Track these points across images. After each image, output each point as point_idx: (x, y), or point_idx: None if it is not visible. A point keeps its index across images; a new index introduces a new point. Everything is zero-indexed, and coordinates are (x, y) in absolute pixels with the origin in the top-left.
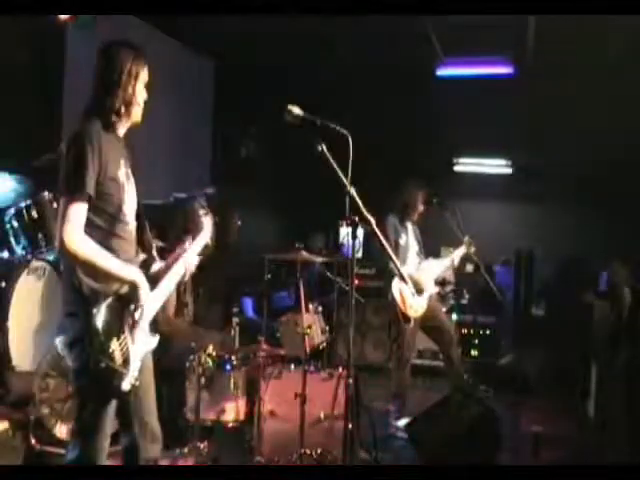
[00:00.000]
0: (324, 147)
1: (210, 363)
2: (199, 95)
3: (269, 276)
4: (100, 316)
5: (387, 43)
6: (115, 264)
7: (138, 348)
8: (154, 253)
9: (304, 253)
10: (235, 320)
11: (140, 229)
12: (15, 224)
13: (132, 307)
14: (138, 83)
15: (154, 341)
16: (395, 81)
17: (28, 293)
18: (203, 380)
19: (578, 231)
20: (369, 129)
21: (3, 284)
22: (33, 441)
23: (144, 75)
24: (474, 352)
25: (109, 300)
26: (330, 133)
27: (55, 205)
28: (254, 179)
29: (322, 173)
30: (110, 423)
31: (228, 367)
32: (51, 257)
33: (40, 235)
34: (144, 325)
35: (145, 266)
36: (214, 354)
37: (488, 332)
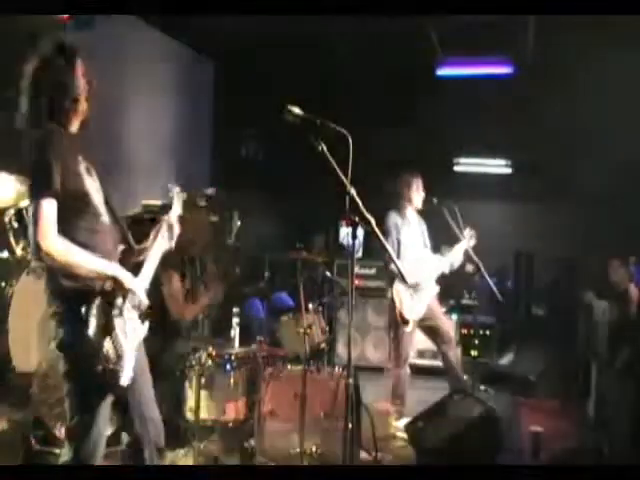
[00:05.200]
0: (324, 147)
1: (210, 363)
2: (199, 95)
3: (268, 274)
4: (90, 319)
5: (387, 43)
6: (93, 260)
7: (130, 340)
8: (131, 241)
9: (304, 253)
10: (235, 320)
11: (113, 220)
12: (15, 224)
13: (119, 301)
14: (76, 76)
15: (145, 328)
16: (395, 81)
17: (28, 293)
18: (203, 380)
19: (578, 231)
20: (369, 129)
21: (3, 284)
22: (33, 441)
23: (79, 66)
24: (474, 352)
25: (96, 301)
26: (330, 133)
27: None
28: (254, 179)
29: (322, 173)
30: (106, 424)
31: (228, 367)
32: None
33: None
34: (133, 315)
35: (125, 256)
36: (214, 354)
37: (488, 332)
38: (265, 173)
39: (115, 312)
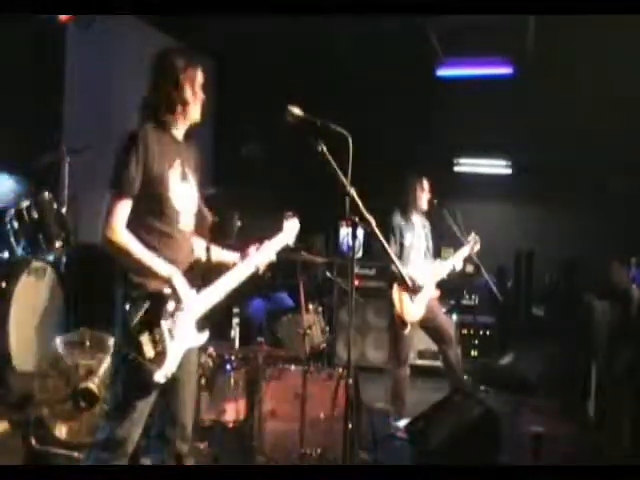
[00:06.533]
0: (324, 147)
1: (210, 363)
2: None
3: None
4: (133, 310)
5: (387, 43)
6: (151, 260)
7: (178, 344)
8: (212, 248)
9: (304, 253)
10: (235, 320)
11: (201, 227)
12: (15, 224)
13: (171, 305)
14: (194, 84)
15: (202, 338)
16: (395, 81)
17: (28, 293)
18: (203, 380)
19: (578, 231)
20: (369, 129)
21: (3, 284)
22: (33, 441)
23: (199, 77)
24: (474, 352)
25: (145, 295)
26: (330, 133)
27: (55, 205)
28: (254, 179)
29: (322, 173)
30: (144, 415)
31: (228, 367)
32: (51, 257)
33: (40, 235)
34: (188, 322)
35: (198, 266)
36: (214, 354)
37: (488, 332)
38: (265, 173)
39: (166, 312)
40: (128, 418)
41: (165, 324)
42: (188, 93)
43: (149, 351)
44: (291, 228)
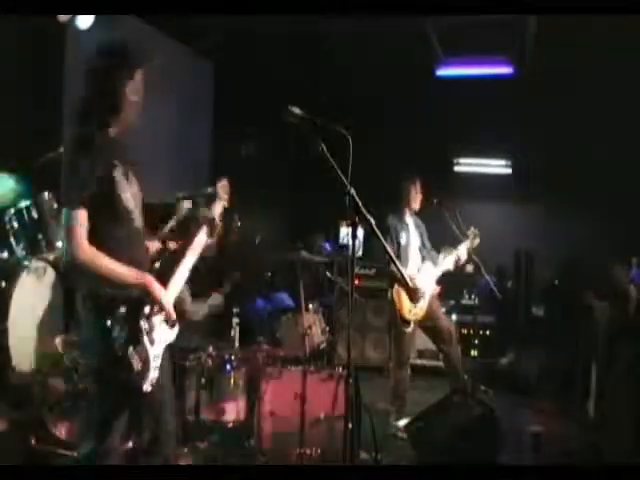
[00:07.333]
0: (324, 147)
1: (210, 363)
2: (199, 95)
3: (268, 274)
4: (114, 327)
5: (387, 43)
6: (121, 269)
7: (157, 347)
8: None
9: (304, 253)
10: (235, 320)
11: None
12: (15, 224)
13: (147, 309)
14: (127, 82)
15: (173, 334)
16: (395, 81)
17: (28, 293)
18: (203, 380)
19: (578, 231)
20: (369, 129)
21: (3, 284)
22: (33, 441)
23: (136, 74)
24: (474, 352)
25: (123, 309)
26: (330, 133)
27: (55, 205)
28: (254, 179)
29: (322, 173)
30: (124, 422)
31: (228, 367)
32: (51, 257)
33: (40, 235)
34: (161, 322)
35: (155, 262)
36: (214, 354)
37: (488, 332)
38: (265, 173)
39: (143, 320)
40: (113, 430)
41: (144, 331)
42: (121, 93)
43: (137, 364)
44: (221, 187)
